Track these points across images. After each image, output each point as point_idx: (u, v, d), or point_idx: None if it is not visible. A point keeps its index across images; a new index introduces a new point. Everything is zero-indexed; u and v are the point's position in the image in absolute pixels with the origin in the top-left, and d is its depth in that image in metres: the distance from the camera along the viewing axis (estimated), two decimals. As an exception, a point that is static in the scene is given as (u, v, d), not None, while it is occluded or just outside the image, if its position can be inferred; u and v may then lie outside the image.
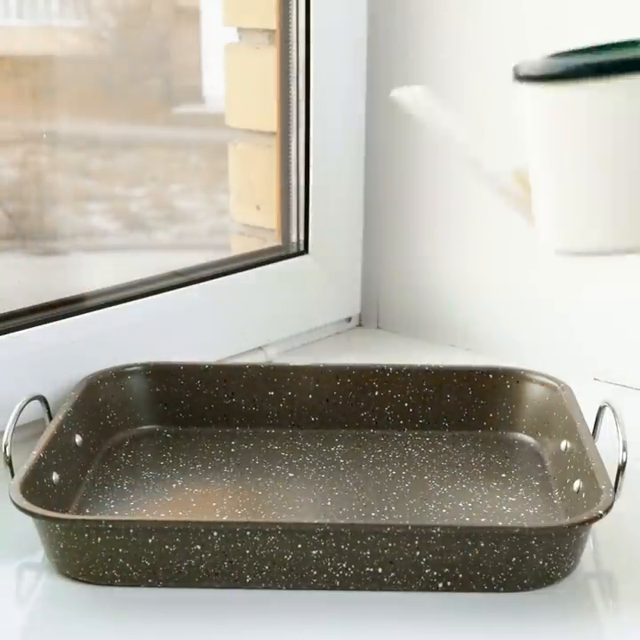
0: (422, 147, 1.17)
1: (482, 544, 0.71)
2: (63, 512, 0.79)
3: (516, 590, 0.72)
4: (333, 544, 0.71)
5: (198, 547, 0.71)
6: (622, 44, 0.70)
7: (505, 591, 0.72)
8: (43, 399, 0.86)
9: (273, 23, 1.15)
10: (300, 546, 0.71)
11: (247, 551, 0.71)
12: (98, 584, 0.73)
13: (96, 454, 0.89)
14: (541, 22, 1.07)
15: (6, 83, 1.15)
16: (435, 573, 0.72)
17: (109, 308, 1.00)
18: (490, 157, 0.74)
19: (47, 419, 0.87)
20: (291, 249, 1.20)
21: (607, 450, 0.80)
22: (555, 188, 0.69)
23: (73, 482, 0.83)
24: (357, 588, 0.73)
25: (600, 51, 0.70)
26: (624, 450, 0.76)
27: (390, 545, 0.71)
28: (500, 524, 0.79)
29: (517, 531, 0.71)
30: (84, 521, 0.74)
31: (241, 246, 1.23)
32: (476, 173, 0.74)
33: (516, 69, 0.69)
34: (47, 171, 1.22)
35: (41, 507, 0.73)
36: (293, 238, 1.19)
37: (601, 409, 0.85)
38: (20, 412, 0.81)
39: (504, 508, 0.82)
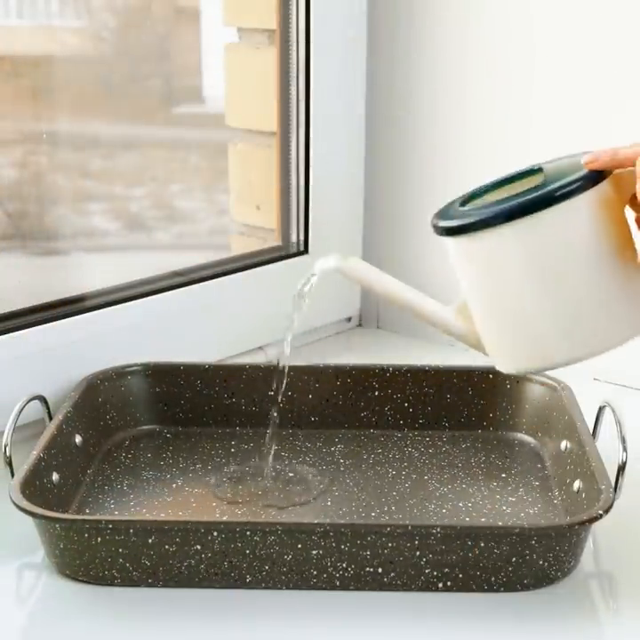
0: (422, 147, 1.18)
1: (482, 544, 0.71)
2: (63, 512, 0.79)
3: (516, 590, 0.72)
4: (333, 544, 0.71)
5: (198, 547, 0.71)
6: (523, 174, 0.75)
7: (505, 591, 0.72)
8: (43, 399, 0.86)
9: (273, 23, 1.15)
10: (299, 546, 0.71)
11: (247, 551, 0.71)
12: (98, 584, 0.73)
13: (96, 454, 0.89)
14: (544, 22, 1.07)
15: (6, 83, 1.15)
16: (435, 573, 0.72)
17: (109, 308, 1.00)
18: (429, 304, 0.78)
19: (47, 419, 0.87)
20: (291, 249, 1.19)
21: (607, 450, 0.80)
22: (491, 321, 0.74)
23: (73, 482, 0.83)
24: (357, 588, 0.73)
25: (502, 185, 0.76)
26: (624, 450, 0.76)
27: (390, 545, 0.71)
28: (500, 524, 0.79)
29: (517, 531, 0.71)
30: (84, 521, 0.74)
31: (241, 246, 1.23)
32: (422, 320, 0.78)
33: (433, 223, 0.74)
34: (47, 171, 1.22)
35: (41, 507, 0.73)
36: (293, 238, 1.19)
37: (601, 409, 0.85)
38: (20, 412, 0.81)
39: (504, 507, 0.82)
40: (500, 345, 0.75)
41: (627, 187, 0.71)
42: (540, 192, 0.69)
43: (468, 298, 0.76)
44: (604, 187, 0.70)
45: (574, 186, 0.69)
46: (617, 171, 0.71)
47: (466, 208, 0.74)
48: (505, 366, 0.76)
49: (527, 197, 0.69)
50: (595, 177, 0.70)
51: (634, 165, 0.69)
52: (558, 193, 0.69)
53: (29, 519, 0.73)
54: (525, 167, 0.76)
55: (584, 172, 0.70)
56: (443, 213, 0.75)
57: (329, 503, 0.83)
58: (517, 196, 0.70)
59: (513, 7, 1.09)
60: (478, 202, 0.75)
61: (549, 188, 0.69)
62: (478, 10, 1.11)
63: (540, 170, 0.74)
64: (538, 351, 0.73)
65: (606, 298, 0.71)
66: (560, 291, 0.71)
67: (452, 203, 0.76)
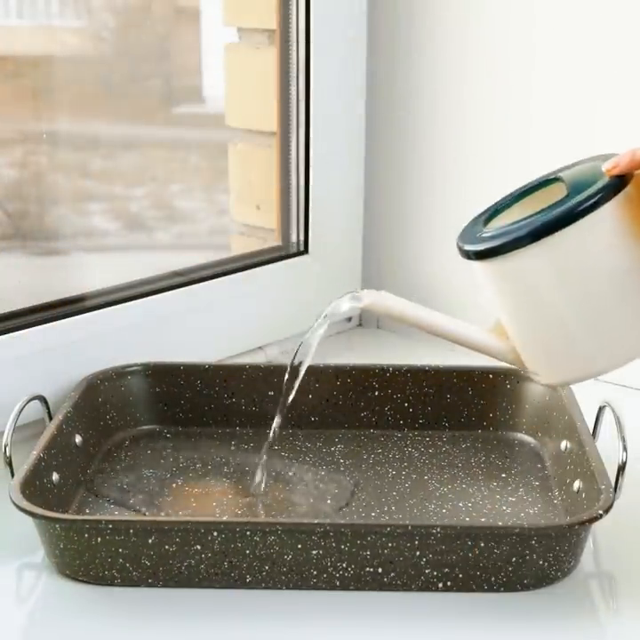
0: (422, 147, 1.18)
1: (482, 544, 0.71)
2: (63, 512, 0.79)
3: (516, 590, 0.72)
4: (333, 544, 0.71)
5: (198, 547, 0.71)
6: (542, 183, 0.75)
7: (505, 591, 0.72)
8: (43, 399, 0.86)
9: (273, 23, 1.15)
10: (299, 546, 0.71)
11: (247, 551, 0.71)
12: (98, 584, 0.73)
13: (96, 454, 0.89)
14: (545, 21, 1.07)
15: (6, 83, 1.15)
16: (435, 573, 0.72)
17: (109, 308, 1.00)
18: (463, 328, 0.77)
19: (47, 419, 0.87)
20: (291, 249, 1.19)
21: (607, 450, 0.79)
22: (528, 337, 0.74)
23: (73, 482, 0.83)
24: (357, 588, 0.73)
25: (523, 196, 0.75)
26: (624, 450, 0.76)
27: (390, 545, 0.71)
28: (500, 524, 0.79)
29: (517, 531, 0.71)
30: (84, 521, 0.74)
31: (241, 246, 1.23)
32: (456, 343, 0.78)
33: (459, 247, 0.73)
34: (47, 171, 1.22)
35: (41, 507, 0.73)
36: (293, 238, 1.19)
37: (601, 409, 0.85)
38: (20, 412, 0.81)
39: (504, 507, 0.82)
40: (539, 359, 0.75)
41: None
42: (565, 207, 0.68)
43: (502, 316, 0.75)
44: (627, 190, 0.69)
45: (598, 197, 0.68)
46: (638, 171, 0.70)
47: (491, 229, 0.73)
48: (547, 379, 0.76)
49: (553, 214, 0.69)
50: (617, 183, 0.69)
51: None
52: (583, 206, 0.68)
53: (29, 519, 0.73)
54: (544, 176, 0.75)
55: (606, 180, 0.69)
56: (467, 235, 0.74)
57: (329, 502, 0.83)
58: (542, 212, 0.70)
59: (513, 7, 1.09)
60: (501, 219, 0.74)
61: (574, 202, 0.68)
62: (479, 10, 1.11)
63: (559, 178, 0.73)
64: (577, 362, 0.73)
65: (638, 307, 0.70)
66: (594, 300, 0.70)
67: (475, 221, 0.75)
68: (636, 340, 0.72)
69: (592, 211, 0.68)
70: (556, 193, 0.71)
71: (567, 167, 0.75)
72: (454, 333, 0.77)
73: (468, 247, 0.72)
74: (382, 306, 0.78)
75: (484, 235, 0.72)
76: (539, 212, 0.70)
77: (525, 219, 0.70)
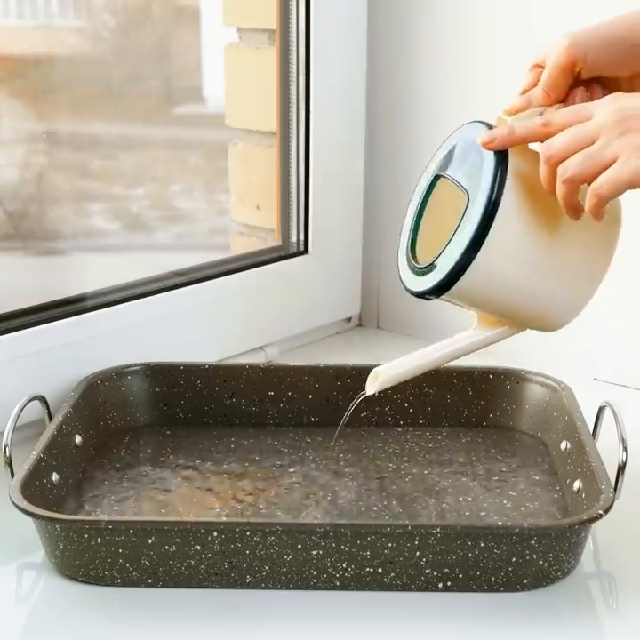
0: (422, 147, 1.17)
1: (482, 544, 0.71)
2: (63, 512, 0.79)
3: (516, 590, 0.72)
4: (333, 544, 0.71)
5: (198, 547, 0.71)
6: (430, 188, 0.78)
7: (505, 591, 0.72)
8: (43, 399, 0.86)
9: (273, 23, 1.15)
10: (300, 546, 0.71)
11: (247, 551, 0.71)
12: (98, 584, 0.73)
13: (96, 454, 0.89)
14: (543, 21, 1.07)
15: (6, 83, 1.15)
16: (435, 573, 0.72)
17: (109, 308, 1.00)
18: (461, 341, 0.79)
19: (47, 419, 0.87)
20: (291, 249, 1.20)
21: (607, 450, 0.80)
22: (511, 315, 0.77)
23: (73, 482, 0.83)
24: (357, 588, 0.73)
25: (423, 211, 0.78)
26: (624, 450, 0.76)
27: (390, 545, 0.71)
28: (500, 523, 0.79)
29: (517, 531, 0.71)
30: (84, 521, 0.74)
31: (241, 246, 1.23)
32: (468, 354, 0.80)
33: (406, 288, 0.77)
34: (47, 171, 1.22)
35: (41, 507, 0.73)
36: (293, 238, 1.19)
37: (601, 409, 0.85)
38: (20, 412, 0.81)
39: (505, 501, 0.82)
40: (533, 322, 0.78)
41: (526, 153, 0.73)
42: (478, 214, 0.70)
43: (479, 313, 0.78)
44: (511, 162, 0.71)
45: (496, 189, 0.70)
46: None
47: (421, 264, 0.75)
48: (550, 329, 0.78)
49: (471, 231, 0.70)
50: (501, 160, 0.71)
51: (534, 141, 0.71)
52: (491, 205, 0.70)
53: (29, 519, 0.73)
54: (425, 181, 0.78)
55: (492, 166, 0.70)
56: (407, 275, 0.77)
57: (329, 498, 0.83)
58: (458, 233, 0.71)
59: (512, 6, 1.09)
60: (423, 244, 0.77)
61: (481, 205, 0.70)
62: (479, 10, 1.11)
63: (439, 176, 0.76)
64: (566, 307, 0.76)
65: (577, 241, 0.74)
66: (549, 263, 0.73)
67: (405, 254, 0.78)
68: (596, 268, 0.75)
69: (499, 203, 0.70)
70: (453, 197, 0.73)
71: (441, 161, 0.76)
72: (458, 351, 0.79)
73: (412, 289, 0.76)
74: (392, 379, 0.81)
75: (423, 272, 0.75)
76: (455, 234, 0.72)
77: (447, 248, 0.72)
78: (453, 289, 0.73)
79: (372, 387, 0.81)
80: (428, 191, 0.78)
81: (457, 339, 0.79)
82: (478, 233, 0.70)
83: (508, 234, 0.71)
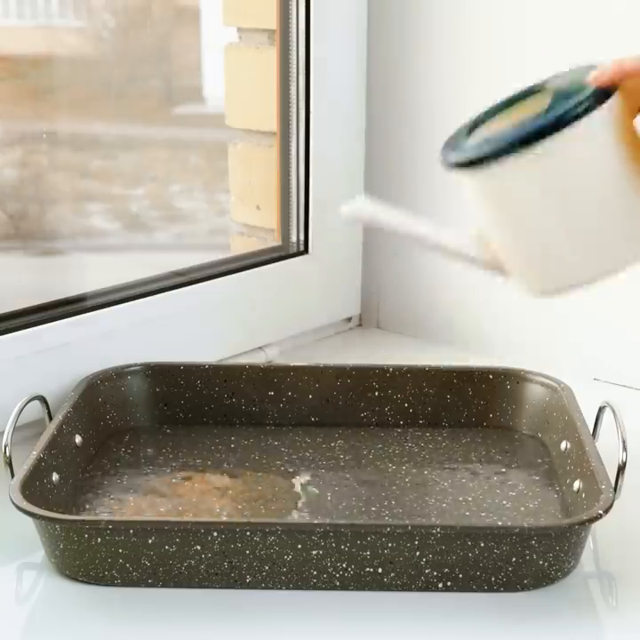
0: (422, 147, 1.17)
1: (482, 544, 0.71)
2: (63, 512, 0.79)
3: (516, 590, 0.72)
4: (333, 544, 0.71)
5: (198, 547, 0.71)
6: (526, 93, 0.73)
7: (505, 591, 0.72)
8: (43, 399, 0.86)
9: (273, 23, 1.15)
10: (300, 546, 0.71)
11: (247, 551, 0.71)
12: (98, 584, 0.73)
13: (96, 454, 0.89)
14: (542, 21, 1.07)
15: (6, 83, 1.15)
16: (435, 573, 0.72)
17: (109, 308, 1.00)
18: (448, 235, 0.74)
19: (47, 419, 0.87)
20: (291, 249, 1.20)
21: (607, 450, 0.80)
22: (514, 246, 0.72)
23: (73, 482, 0.83)
24: (357, 588, 0.73)
25: (507, 106, 0.73)
26: (624, 450, 0.76)
27: (390, 545, 0.71)
28: (500, 523, 0.79)
29: (517, 530, 0.71)
30: (84, 521, 0.74)
31: (241, 246, 1.23)
32: (438, 252, 0.75)
33: (443, 158, 0.71)
34: (47, 171, 1.22)
35: (41, 507, 0.73)
36: (293, 238, 1.19)
37: (601, 409, 0.85)
38: (20, 412, 0.81)
39: (504, 502, 0.83)
40: (524, 269, 0.73)
41: (636, 97, 0.69)
42: (549, 117, 0.67)
43: (487, 226, 0.73)
44: (612, 102, 0.67)
45: (582, 107, 0.66)
46: (625, 83, 0.68)
47: (474, 140, 0.71)
48: (531, 289, 0.73)
49: (537, 124, 0.67)
50: (602, 94, 0.67)
51: None
52: (567, 116, 0.66)
53: (29, 519, 0.73)
54: (529, 86, 0.73)
55: (590, 90, 0.67)
56: (451, 147, 0.72)
57: (329, 498, 0.83)
58: (526, 122, 0.68)
59: (513, 7, 1.09)
60: (485, 130, 0.72)
61: (558, 112, 0.67)
62: (478, 10, 1.11)
63: (543, 88, 0.72)
64: (563, 271, 0.71)
65: (625, 214, 0.69)
66: (581, 210, 0.69)
67: (458, 134, 0.73)
68: (618, 251, 0.70)
69: (575, 121, 0.67)
70: (542, 103, 0.70)
71: (553, 77, 0.73)
72: (433, 240, 0.74)
73: (452, 158, 0.71)
74: (367, 215, 0.75)
75: (465, 145, 0.71)
76: (522, 122, 0.68)
77: (509, 129, 0.68)
78: (487, 169, 0.68)
79: (349, 208, 0.75)
80: (520, 96, 0.73)
81: (436, 228, 0.74)
82: (544, 129, 0.66)
83: (571, 154, 0.67)
